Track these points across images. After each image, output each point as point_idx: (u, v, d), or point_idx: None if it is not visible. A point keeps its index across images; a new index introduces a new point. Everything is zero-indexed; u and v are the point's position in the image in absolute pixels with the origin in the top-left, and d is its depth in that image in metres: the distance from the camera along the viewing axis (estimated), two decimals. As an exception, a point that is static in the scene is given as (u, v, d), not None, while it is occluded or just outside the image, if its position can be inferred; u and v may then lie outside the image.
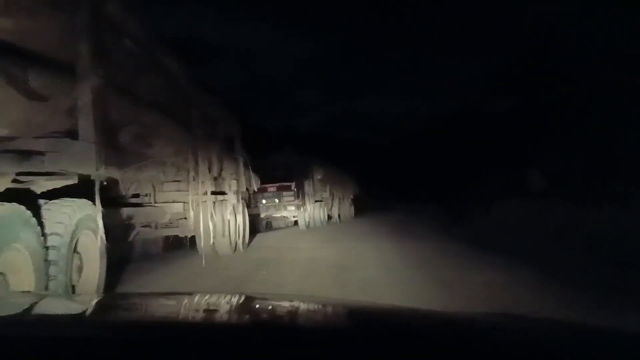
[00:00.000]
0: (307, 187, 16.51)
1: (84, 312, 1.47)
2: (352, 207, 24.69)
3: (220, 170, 8.24)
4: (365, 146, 59.93)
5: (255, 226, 15.85)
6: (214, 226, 7.77)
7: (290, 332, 1.15)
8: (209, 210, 7.51)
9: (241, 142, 9.28)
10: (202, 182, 7.35)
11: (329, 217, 19.89)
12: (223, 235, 7.94)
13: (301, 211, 15.71)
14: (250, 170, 10.39)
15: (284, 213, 15.74)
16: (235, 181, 8.70)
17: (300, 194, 15.64)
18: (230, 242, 8.28)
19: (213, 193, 8.00)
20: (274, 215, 16.03)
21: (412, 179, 48.25)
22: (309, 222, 16.52)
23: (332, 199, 20.44)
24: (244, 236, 9.27)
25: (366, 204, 28.57)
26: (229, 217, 8.26)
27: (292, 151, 17.72)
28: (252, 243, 10.64)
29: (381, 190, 39.68)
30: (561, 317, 1.51)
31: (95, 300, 1.88)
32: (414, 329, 1.19)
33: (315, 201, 17.63)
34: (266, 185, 15.52)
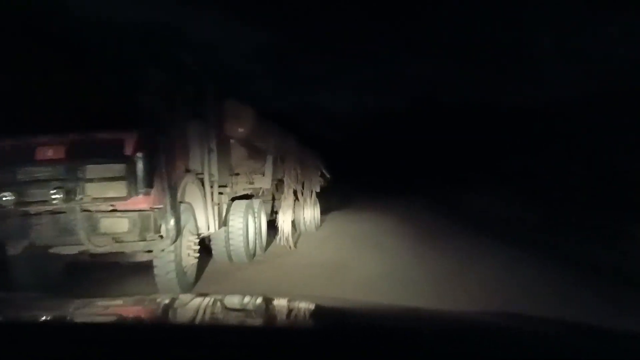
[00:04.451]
0: (198, 150, 5.10)
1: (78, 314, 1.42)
2: (318, 207, 13.08)
3: None
4: (322, 139, 52.39)
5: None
6: None
7: (293, 331, 1.15)
8: None
9: None
10: None
11: (273, 223, 8.72)
12: None
13: (165, 239, 4.03)
14: None
15: (94, 241, 3.98)
16: None
17: (159, 172, 4.20)
18: None
19: None
20: (56, 251, 4.17)
21: (375, 172, 43.94)
22: (192, 266, 5.22)
23: (283, 191, 9.15)
24: None
25: (327, 199, 17.48)
26: None
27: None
28: None
29: (343, 183, 32.14)
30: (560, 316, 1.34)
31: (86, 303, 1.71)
32: (415, 328, 1.18)
33: (233, 198, 6.48)
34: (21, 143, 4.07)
